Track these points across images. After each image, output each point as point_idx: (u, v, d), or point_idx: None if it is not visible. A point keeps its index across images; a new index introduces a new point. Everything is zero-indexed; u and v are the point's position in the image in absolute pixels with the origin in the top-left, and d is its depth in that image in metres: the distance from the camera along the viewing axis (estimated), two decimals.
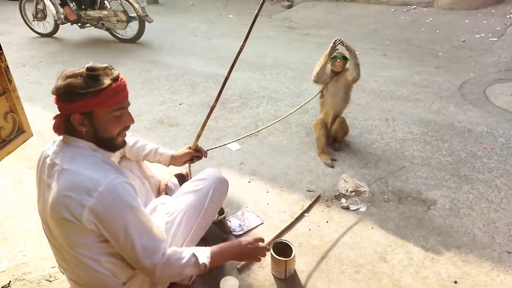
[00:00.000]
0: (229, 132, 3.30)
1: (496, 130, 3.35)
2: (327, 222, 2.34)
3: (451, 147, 3.11)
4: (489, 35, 6.03)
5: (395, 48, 5.62)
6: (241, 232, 2.23)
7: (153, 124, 3.41)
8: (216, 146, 2.54)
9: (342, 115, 3.04)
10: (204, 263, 1.40)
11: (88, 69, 1.27)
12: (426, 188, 2.63)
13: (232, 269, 2.01)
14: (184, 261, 1.38)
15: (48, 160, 1.34)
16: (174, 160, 2.01)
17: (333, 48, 2.75)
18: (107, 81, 1.29)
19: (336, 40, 2.73)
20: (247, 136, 2.68)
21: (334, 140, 3.09)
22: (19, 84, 3.95)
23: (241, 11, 7.83)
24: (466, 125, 3.44)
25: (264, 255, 1.61)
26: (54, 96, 1.31)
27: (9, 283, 1.32)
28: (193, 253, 1.41)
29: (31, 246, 1.97)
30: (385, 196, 2.56)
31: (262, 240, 1.61)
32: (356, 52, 2.77)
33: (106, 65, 1.33)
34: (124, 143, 1.47)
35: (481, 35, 6.06)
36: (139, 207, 1.31)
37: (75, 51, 5.56)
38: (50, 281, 1.70)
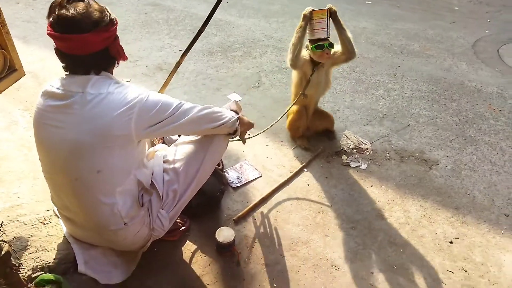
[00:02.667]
0: (230, 81, 3.18)
1: (507, 91, 3.23)
2: (326, 178, 2.31)
3: (459, 107, 3.01)
4: None
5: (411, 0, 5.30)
6: (238, 185, 2.20)
7: (152, 70, 3.28)
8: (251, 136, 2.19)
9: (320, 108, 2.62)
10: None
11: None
12: (429, 148, 2.58)
13: (228, 220, 2.00)
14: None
15: (68, 92, 1.30)
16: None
17: (307, 19, 2.08)
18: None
19: (311, 10, 2.07)
20: (268, 128, 2.43)
21: (314, 133, 2.63)
22: (12, 22, 3.76)
23: None
24: (477, 85, 3.32)
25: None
26: (85, 34, 1.25)
27: (1, 224, 1.30)
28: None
29: (26, 188, 1.94)
30: (387, 155, 2.51)
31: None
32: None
33: None
34: None
35: None
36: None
37: None
38: (44, 224, 1.70)
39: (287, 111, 2.43)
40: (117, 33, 1.38)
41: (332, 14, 2.09)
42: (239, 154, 2.43)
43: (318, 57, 2.16)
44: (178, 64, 2.12)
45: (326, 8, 2.07)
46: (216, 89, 3.08)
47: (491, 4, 5.24)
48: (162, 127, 1.38)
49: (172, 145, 1.72)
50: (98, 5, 1.31)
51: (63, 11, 1.22)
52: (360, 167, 2.40)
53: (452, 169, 2.40)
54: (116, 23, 1.36)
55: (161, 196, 1.54)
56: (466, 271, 1.82)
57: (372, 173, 2.37)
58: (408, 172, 2.38)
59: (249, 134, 2.00)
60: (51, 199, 1.63)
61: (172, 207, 1.59)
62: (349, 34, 2.16)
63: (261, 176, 2.29)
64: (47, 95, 1.34)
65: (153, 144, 1.93)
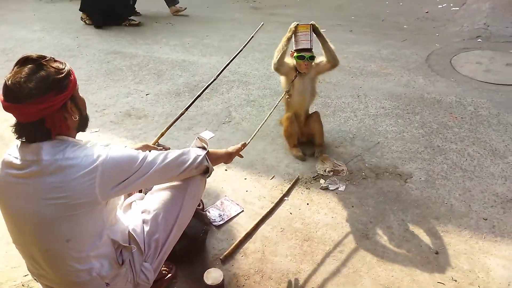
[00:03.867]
0: (201, 120, 3.19)
1: (465, 99, 3.42)
2: (308, 204, 2.32)
3: (422, 119, 3.14)
4: (451, 4, 6.13)
5: (361, 24, 5.60)
6: (221, 222, 2.17)
7: (120, 118, 3.24)
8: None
9: (314, 111, 2.81)
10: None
11: (39, 57, 1.23)
12: (401, 162, 2.65)
13: (215, 260, 1.95)
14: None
15: (24, 162, 1.23)
16: None
17: (292, 33, 2.40)
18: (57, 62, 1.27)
19: (296, 24, 2.39)
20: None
21: (308, 139, 2.82)
22: None
23: None
24: (436, 96, 3.49)
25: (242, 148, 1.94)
26: (22, 104, 1.17)
27: None
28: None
29: (1, 255, 1.83)
30: (363, 173, 2.56)
31: (244, 144, 1.97)
32: (322, 30, 2.47)
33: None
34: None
35: (443, 5, 6.15)
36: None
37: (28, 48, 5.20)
38: None
39: (274, 108, 2.41)
40: (67, 99, 1.25)
41: (314, 29, 2.41)
42: (218, 191, 2.41)
43: (299, 66, 2.46)
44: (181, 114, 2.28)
45: (310, 23, 2.39)
46: (187, 129, 3.08)
47: (436, 19, 5.62)
48: (129, 184, 1.32)
49: (148, 193, 1.67)
50: (48, 68, 1.21)
51: (8, 76, 1.19)
52: (339, 189, 2.43)
53: (426, 180, 2.47)
54: (66, 89, 1.23)
55: (143, 249, 1.48)
56: (456, 281, 1.84)
57: (351, 193, 2.40)
58: (385, 188, 2.43)
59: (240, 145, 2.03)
60: (27, 267, 1.53)
61: (155, 258, 1.53)
62: (331, 45, 2.45)
63: (243, 210, 2.26)
64: (6, 164, 1.27)
65: (130, 194, 1.88)
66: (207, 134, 2.94)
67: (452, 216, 2.19)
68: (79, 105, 1.33)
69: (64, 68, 1.25)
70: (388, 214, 2.23)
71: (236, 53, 2.35)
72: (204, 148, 1.65)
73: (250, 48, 4.75)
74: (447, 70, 4.02)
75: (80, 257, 1.29)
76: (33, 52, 1.27)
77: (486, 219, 2.17)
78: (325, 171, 2.58)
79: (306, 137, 2.82)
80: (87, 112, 1.41)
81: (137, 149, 1.85)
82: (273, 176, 2.54)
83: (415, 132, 2.97)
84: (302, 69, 2.46)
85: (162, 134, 2.16)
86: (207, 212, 2.21)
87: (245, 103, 3.45)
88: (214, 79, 2.35)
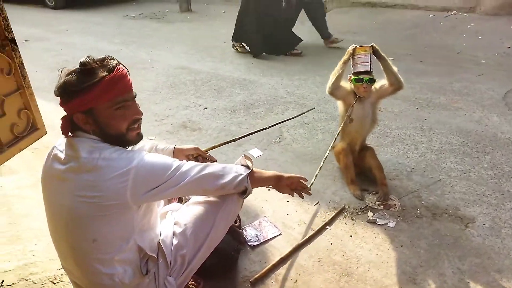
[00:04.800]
0: (252, 137, 3.18)
1: None
2: (351, 236, 2.16)
3: (493, 160, 2.83)
4: None
5: (434, 55, 5.31)
6: (256, 243, 2.10)
7: (176, 128, 3.36)
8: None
9: (370, 145, 2.64)
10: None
11: (80, 64, 1.24)
12: (464, 204, 2.39)
13: (245, 281, 1.88)
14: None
15: (66, 156, 1.29)
16: (177, 153, 1.86)
17: (350, 56, 2.29)
18: (102, 74, 1.22)
19: (355, 47, 2.28)
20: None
21: (361, 171, 2.63)
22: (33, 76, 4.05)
23: None
24: (510, 137, 3.14)
25: (301, 187, 1.70)
26: (61, 100, 1.30)
27: (1, 283, 1.26)
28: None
29: (42, 246, 1.94)
30: (418, 211, 2.34)
31: (304, 178, 1.71)
32: (390, 59, 2.35)
33: (104, 56, 1.27)
34: (139, 137, 1.43)
35: None
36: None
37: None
38: (54, 283, 1.65)
39: (334, 141, 2.36)
40: (77, 110, 1.27)
41: (375, 51, 2.27)
42: (258, 211, 2.35)
43: (357, 89, 2.33)
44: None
45: (369, 45, 2.26)
46: (237, 145, 3.09)
47: None
48: (161, 191, 1.31)
49: (184, 205, 1.67)
50: (73, 77, 1.25)
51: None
52: (388, 225, 2.24)
53: (490, 227, 2.19)
54: (71, 100, 1.25)
55: (169, 262, 1.46)
56: None
57: (402, 231, 2.19)
58: (442, 230, 2.19)
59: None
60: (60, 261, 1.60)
61: (180, 274, 1.49)
62: (394, 67, 2.31)
63: (280, 234, 2.17)
64: (53, 157, 1.33)
65: (170, 202, 1.90)
66: (255, 152, 2.92)
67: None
68: (100, 120, 1.29)
69: (85, 84, 1.23)
70: (442, 260, 2.00)
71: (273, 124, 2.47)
72: (248, 167, 1.57)
73: (311, 71, 4.73)
74: None
75: (104, 259, 1.29)
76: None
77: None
78: (374, 203, 2.41)
79: (359, 169, 2.62)
80: (119, 132, 1.33)
81: (187, 150, 1.88)
82: (317, 202, 2.42)
83: (483, 173, 2.68)
84: (360, 93, 2.34)
85: (214, 147, 2.19)
86: (243, 231, 2.15)
87: (298, 125, 3.40)
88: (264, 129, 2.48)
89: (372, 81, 2.30)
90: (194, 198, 1.65)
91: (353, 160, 2.55)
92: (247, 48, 5.51)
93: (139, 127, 1.40)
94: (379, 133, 3.23)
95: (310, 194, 1.76)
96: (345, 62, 2.32)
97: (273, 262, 1.96)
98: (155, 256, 1.41)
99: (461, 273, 1.91)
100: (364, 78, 2.28)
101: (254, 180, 1.56)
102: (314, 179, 1.98)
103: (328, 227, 2.24)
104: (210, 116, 3.58)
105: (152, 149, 1.80)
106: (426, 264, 1.98)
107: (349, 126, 2.42)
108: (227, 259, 1.87)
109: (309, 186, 1.77)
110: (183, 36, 6.54)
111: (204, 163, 1.47)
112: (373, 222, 2.26)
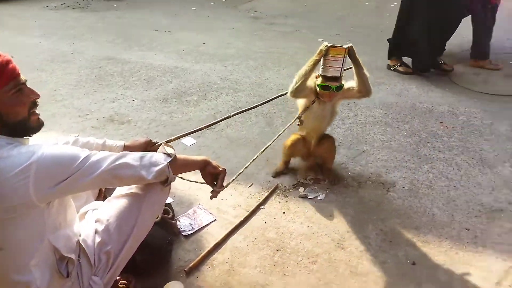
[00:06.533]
0: (185, 126, 3.15)
1: (458, 109, 3.33)
2: (284, 213, 2.24)
3: (411, 128, 3.05)
4: None
5: (360, 34, 5.55)
6: (191, 232, 2.10)
7: (102, 123, 3.21)
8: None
9: (330, 136, 2.48)
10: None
11: None
12: (386, 170, 2.56)
13: (179, 272, 1.88)
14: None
15: None
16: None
17: (322, 56, 2.02)
18: None
19: (329, 47, 1.99)
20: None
21: (315, 162, 2.56)
22: None
23: (204, 3, 7.62)
24: (428, 106, 3.40)
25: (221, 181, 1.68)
26: None
27: None
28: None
29: None
30: (345, 182, 2.48)
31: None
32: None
33: None
34: (40, 123, 1.35)
35: None
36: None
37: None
38: None
39: (273, 140, 2.12)
40: None
41: (350, 53, 2.04)
42: (192, 199, 2.34)
43: (321, 94, 2.15)
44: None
45: (346, 47, 2.00)
46: (169, 135, 3.03)
47: None
48: (71, 184, 1.23)
49: (106, 200, 1.61)
50: None
51: None
52: (318, 198, 2.35)
53: (409, 189, 2.38)
54: None
55: (92, 262, 1.40)
56: None
57: (331, 202, 2.31)
58: (366, 197, 2.34)
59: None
60: None
61: (106, 271, 1.44)
62: (367, 73, 2.13)
63: (215, 219, 2.19)
64: None
65: (100, 195, 1.82)
66: (188, 141, 2.89)
67: (433, 226, 2.10)
68: None
69: None
70: (367, 224, 2.14)
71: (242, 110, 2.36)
72: (169, 155, 1.50)
73: (244, 56, 4.74)
74: (443, 80, 3.94)
75: (17, 266, 1.22)
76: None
77: (468, 229, 2.06)
78: (305, 179, 2.50)
79: (313, 160, 2.55)
80: (21, 117, 1.26)
81: (138, 146, 1.81)
82: (251, 184, 2.46)
83: (403, 141, 2.89)
84: (325, 99, 2.15)
85: (171, 140, 1.99)
86: (177, 221, 2.14)
87: (232, 110, 3.40)
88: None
89: (340, 88, 2.08)
90: (116, 192, 1.60)
91: (307, 149, 2.46)
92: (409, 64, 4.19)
93: (38, 113, 1.33)
94: None
95: (215, 196, 1.72)
96: (315, 63, 2.05)
97: (208, 249, 1.98)
98: (73, 258, 1.35)
99: (383, 234, 2.07)
100: (331, 86, 2.05)
101: (177, 166, 1.52)
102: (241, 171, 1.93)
103: (262, 206, 2.29)
104: (139, 108, 3.46)
105: (98, 148, 1.72)
106: (353, 229, 2.11)
107: (306, 123, 2.28)
108: (159, 253, 1.85)
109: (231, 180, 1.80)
110: (109, 25, 6.20)
111: (121, 153, 1.41)
112: (305, 197, 2.36)
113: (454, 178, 2.46)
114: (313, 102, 2.19)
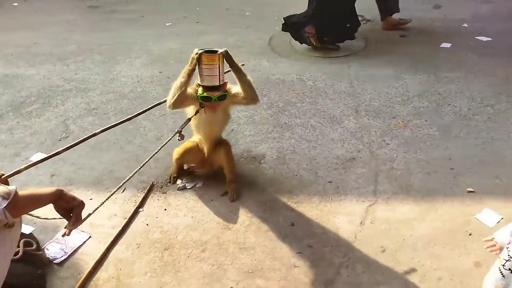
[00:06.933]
0: (30, 141, 2.73)
1: (304, 75, 3.67)
2: (165, 210, 2.18)
3: (270, 100, 3.26)
4: None
5: (207, 14, 5.59)
6: (64, 257, 1.87)
7: None
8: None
9: (225, 141, 2.35)
10: None
11: None
12: (254, 145, 2.70)
13: None
14: None
15: None
16: None
17: (195, 65, 1.89)
18: None
19: (199, 53, 1.87)
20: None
21: (212, 169, 2.37)
22: None
23: None
24: (280, 77, 3.66)
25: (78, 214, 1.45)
26: None
27: None
28: None
29: None
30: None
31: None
32: (242, 64, 2.03)
33: None
34: None
35: None
36: None
37: None
38: None
39: (156, 153, 1.97)
40: None
41: (226, 58, 1.90)
42: (57, 222, 2.03)
43: (206, 106, 1.99)
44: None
45: (219, 52, 1.86)
46: (14, 155, 2.60)
47: (274, 4, 5.94)
48: None
49: None
50: None
51: None
52: (197, 186, 2.34)
53: (277, 158, 2.56)
54: None
55: None
56: (311, 246, 1.93)
57: (210, 187, 2.34)
58: (242, 173, 2.43)
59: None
60: None
61: None
62: (249, 79, 2.00)
63: (90, 236, 2.00)
64: None
65: None
66: (38, 157, 2.52)
67: (303, 187, 2.32)
68: None
69: None
70: (247, 199, 2.24)
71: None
72: (5, 197, 1.22)
73: (88, 50, 4.31)
74: (287, 50, 4.27)
75: None
76: None
77: (331, 182, 2.34)
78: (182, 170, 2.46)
79: (209, 167, 2.37)
80: None
81: None
82: (125, 189, 2.31)
83: (264, 114, 3.07)
84: (210, 109, 2.01)
85: (19, 171, 1.59)
86: (44, 250, 1.88)
87: (85, 112, 3.09)
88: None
89: (222, 98, 1.96)
90: None
91: (203, 158, 2.31)
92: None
93: None
94: None
95: (68, 234, 1.52)
96: (190, 73, 1.90)
97: (88, 270, 1.80)
98: None
99: (263, 205, 2.20)
100: (212, 97, 1.92)
101: (19, 207, 1.27)
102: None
103: (140, 209, 2.18)
104: None
105: None
106: (234, 208, 2.18)
107: (197, 128, 2.17)
108: None
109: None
110: None
111: None
112: (183, 188, 2.33)
113: (311, 139, 2.74)
114: (196, 113, 2.03)
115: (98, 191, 2.30)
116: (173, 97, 1.94)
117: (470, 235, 1.93)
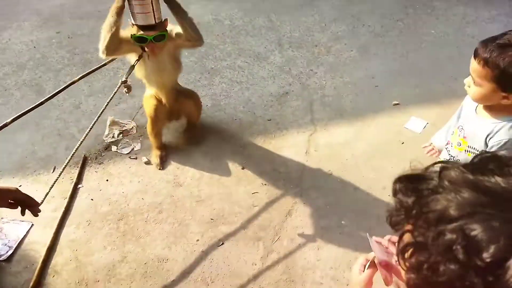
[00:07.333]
0: None
1: (220, 15, 3.50)
2: (107, 180, 2.05)
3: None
4: None
5: None
6: (10, 252, 1.71)
7: None
8: None
9: (191, 91, 2.21)
10: None
11: None
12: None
13: None
14: None
15: None
16: None
17: (123, 1, 1.63)
18: None
19: None
20: None
21: (177, 118, 2.24)
22: None
23: None
24: (194, 20, 3.44)
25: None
26: None
27: None
28: None
29: None
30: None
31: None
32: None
33: None
34: None
35: None
36: None
37: None
38: None
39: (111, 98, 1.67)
40: None
41: None
42: None
43: (142, 48, 1.75)
44: None
45: None
46: None
47: None
48: None
49: None
50: None
51: None
52: (135, 149, 2.22)
53: (213, 105, 2.50)
54: None
55: None
56: (266, 184, 2.00)
57: (148, 148, 2.23)
58: (181, 127, 2.34)
59: None
60: None
61: None
62: (191, 17, 1.79)
63: (32, 224, 1.83)
64: None
65: None
66: None
67: (244, 129, 2.32)
68: None
69: None
70: (192, 151, 2.19)
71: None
72: None
73: None
74: None
75: None
76: None
77: (270, 120, 2.38)
78: (113, 136, 2.30)
79: (176, 116, 2.21)
80: None
81: None
82: (54, 168, 2.11)
83: (188, 62, 2.91)
84: (149, 51, 1.76)
85: None
86: None
87: None
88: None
89: (160, 38, 1.71)
90: None
91: (164, 113, 2.10)
92: None
93: None
94: (80, 62, 2.93)
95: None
96: (119, 12, 1.64)
97: (42, 258, 1.67)
98: None
99: (210, 154, 2.17)
100: (147, 37, 1.68)
101: None
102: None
103: (80, 185, 2.03)
104: None
105: None
106: (181, 163, 2.13)
107: (146, 76, 1.94)
108: None
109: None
110: None
111: None
112: (121, 154, 2.19)
113: (242, 80, 2.70)
114: (138, 59, 1.78)
115: (25, 176, 2.07)
116: (104, 41, 1.71)
117: (402, 143, 2.14)
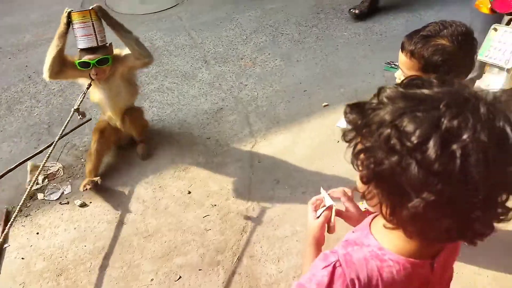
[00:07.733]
0: None
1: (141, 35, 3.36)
2: (38, 233, 1.83)
3: None
4: None
5: None
6: None
7: None
8: None
9: (136, 108, 2.19)
10: None
11: None
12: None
13: None
14: None
15: None
16: None
17: (66, 26, 1.69)
18: None
19: (69, 12, 1.67)
20: None
21: (129, 142, 2.23)
22: None
23: None
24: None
25: None
26: None
27: None
28: None
29: None
30: (82, 160, 2.21)
31: None
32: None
33: None
34: None
35: None
36: None
37: None
38: None
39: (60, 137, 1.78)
40: None
41: (101, 14, 1.71)
42: None
43: (87, 74, 1.77)
44: None
45: (90, 8, 1.69)
46: None
47: None
48: None
49: None
50: None
51: None
52: (65, 193, 2.02)
53: (148, 131, 2.36)
54: None
55: None
56: (215, 205, 1.92)
57: (76, 191, 2.02)
58: (113, 160, 2.19)
59: None
60: None
61: None
62: (136, 36, 1.82)
63: None
64: None
65: None
66: None
67: (184, 151, 2.23)
68: None
69: None
70: (132, 184, 2.05)
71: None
72: None
73: None
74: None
75: None
76: None
77: (209, 138, 2.31)
78: (37, 182, 2.06)
79: (126, 140, 2.22)
80: None
81: None
82: None
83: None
84: (95, 77, 1.77)
85: None
86: None
87: None
88: None
89: (104, 61, 1.73)
90: None
91: (116, 133, 2.12)
92: None
93: None
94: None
95: None
96: (63, 35, 1.70)
97: None
98: None
99: (150, 184, 2.04)
100: (90, 62, 1.69)
101: None
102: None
103: (6, 245, 1.78)
104: None
105: None
106: (121, 201, 1.98)
107: (102, 103, 1.96)
108: None
109: None
110: None
111: None
112: (49, 202, 1.97)
113: (173, 101, 2.61)
114: (88, 86, 1.81)
115: None
116: (48, 65, 1.74)
117: (338, 142, 2.20)
